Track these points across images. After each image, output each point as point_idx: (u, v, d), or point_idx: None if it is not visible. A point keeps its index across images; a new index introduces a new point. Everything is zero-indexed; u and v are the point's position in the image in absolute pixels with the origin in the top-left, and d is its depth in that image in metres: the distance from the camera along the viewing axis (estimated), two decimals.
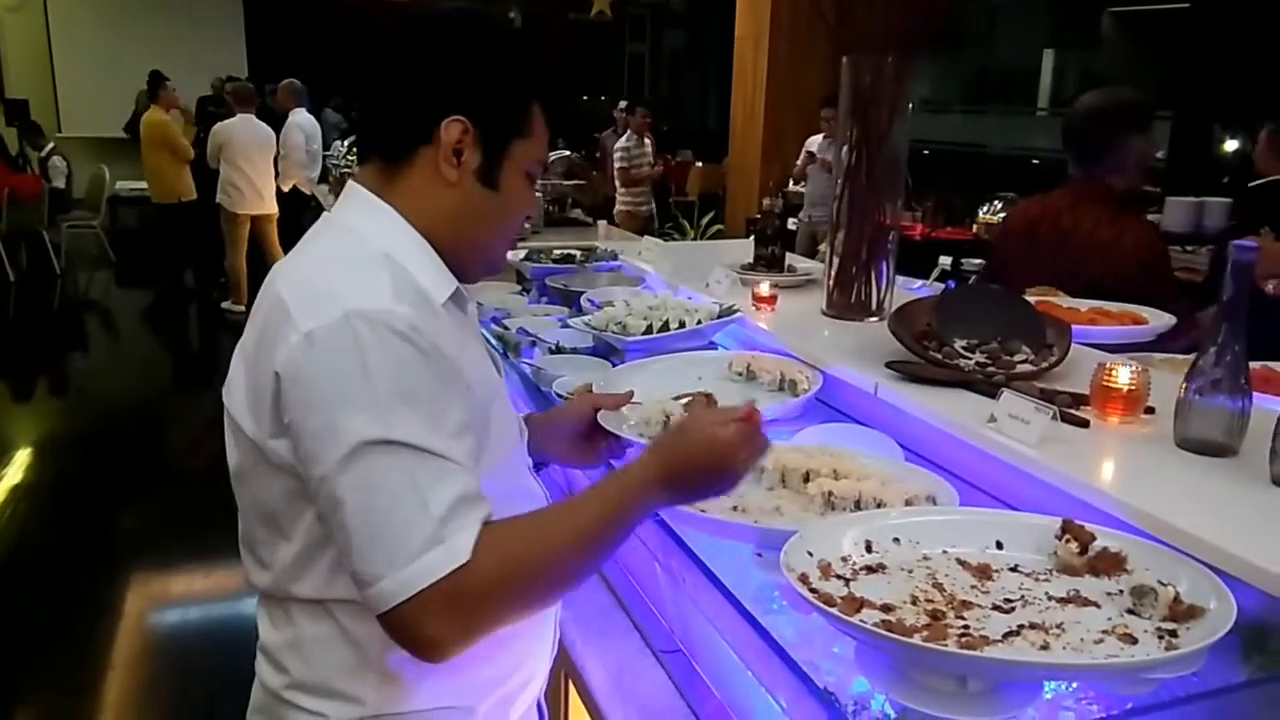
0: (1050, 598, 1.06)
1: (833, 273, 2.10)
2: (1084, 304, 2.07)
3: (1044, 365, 1.61)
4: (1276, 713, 1.01)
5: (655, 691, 1.36)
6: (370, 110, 1.09)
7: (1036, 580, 1.10)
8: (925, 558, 1.14)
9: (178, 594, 3.61)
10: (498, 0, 9.28)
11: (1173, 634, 0.97)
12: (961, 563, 1.13)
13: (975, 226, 6.39)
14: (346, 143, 7.53)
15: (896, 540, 1.16)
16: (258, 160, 7.40)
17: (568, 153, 5.35)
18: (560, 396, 1.83)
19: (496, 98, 1.05)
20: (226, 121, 7.43)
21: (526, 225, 3.53)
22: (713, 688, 1.28)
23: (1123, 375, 1.41)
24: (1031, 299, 1.91)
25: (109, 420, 5.49)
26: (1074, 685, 1.01)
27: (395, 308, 0.93)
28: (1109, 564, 1.09)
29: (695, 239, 6.31)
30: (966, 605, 1.04)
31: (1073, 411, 1.43)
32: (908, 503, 1.29)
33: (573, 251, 3.10)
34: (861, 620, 0.97)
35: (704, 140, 10.97)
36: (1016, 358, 1.65)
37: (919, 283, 2.60)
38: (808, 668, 0.97)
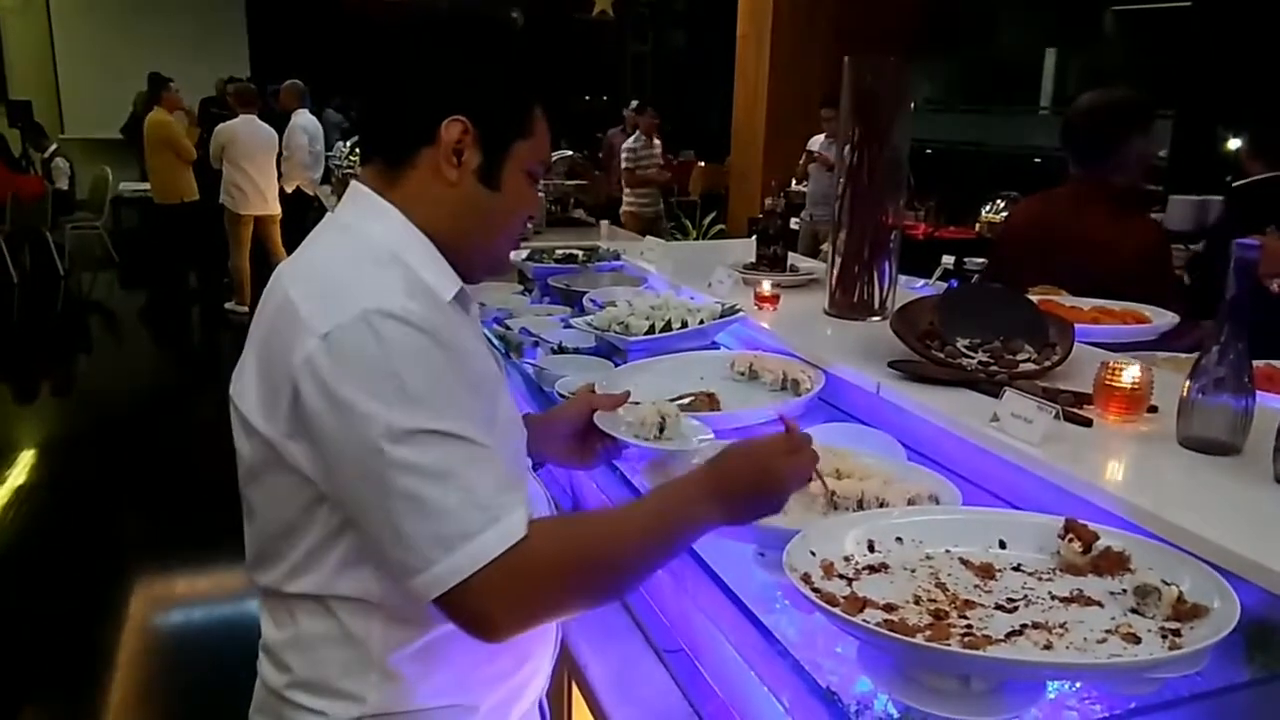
0: (1053, 597, 1.05)
1: (835, 272, 2.10)
2: (1087, 303, 2.07)
3: (1047, 364, 1.61)
4: None
5: (658, 691, 1.36)
6: (372, 110, 1.09)
7: (1039, 579, 1.10)
8: (928, 557, 1.14)
9: (180, 594, 3.62)
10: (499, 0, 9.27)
11: (1176, 633, 0.97)
12: (964, 562, 1.13)
13: (978, 226, 6.37)
14: (349, 143, 7.54)
15: (899, 540, 1.16)
16: (260, 161, 7.42)
17: (570, 152, 5.35)
18: (562, 396, 1.83)
19: (497, 97, 1.05)
20: (229, 122, 7.43)
21: (529, 226, 3.54)
22: (715, 687, 1.28)
23: (1126, 374, 1.41)
24: (1034, 298, 1.90)
25: (112, 420, 5.50)
26: (1077, 685, 1.01)
27: (410, 304, 0.94)
28: (1112, 563, 1.09)
29: (697, 238, 6.30)
30: (969, 605, 1.04)
31: (1076, 410, 1.42)
32: (910, 502, 1.29)
33: (575, 251, 3.10)
34: (864, 620, 0.97)
35: (706, 140, 10.96)
36: (1019, 357, 1.65)
37: (921, 282, 2.60)
38: (810, 667, 0.97)
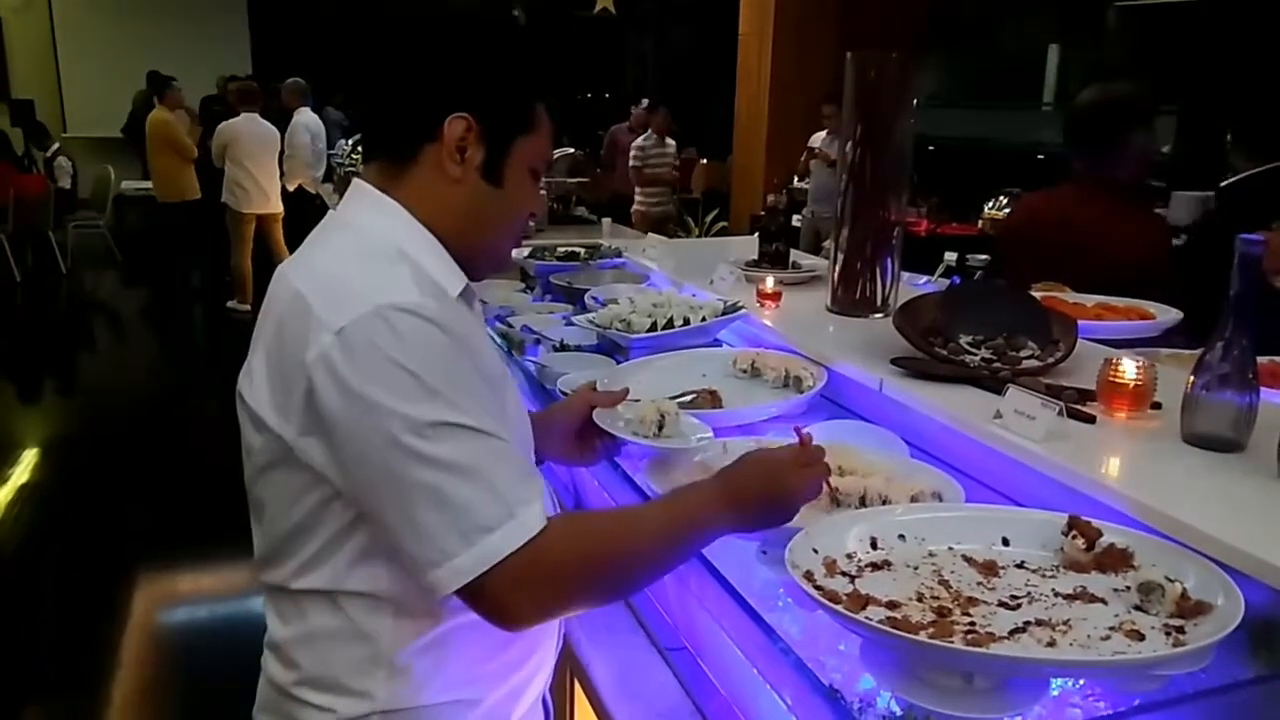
0: (1057, 594, 1.05)
1: (837, 269, 2.09)
2: (1090, 299, 2.06)
3: (1050, 361, 1.61)
4: None
5: (660, 689, 1.36)
6: (375, 108, 1.09)
7: (1043, 577, 1.09)
8: (931, 554, 1.14)
9: (185, 592, 3.62)
10: None
11: (1180, 630, 0.96)
12: (967, 559, 1.13)
13: (980, 222, 6.36)
14: (351, 141, 7.54)
15: (902, 537, 1.16)
16: (263, 159, 7.42)
17: (572, 150, 5.35)
18: (564, 394, 1.83)
19: (500, 94, 1.05)
20: (231, 121, 7.43)
21: (531, 223, 3.54)
22: (718, 685, 1.28)
23: (1129, 370, 1.41)
24: (1037, 294, 1.90)
25: (114, 419, 5.51)
26: (1081, 682, 1.01)
27: (423, 299, 0.94)
28: (1116, 560, 1.09)
29: (699, 235, 6.30)
30: (972, 602, 1.03)
31: (1079, 407, 1.42)
32: (913, 499, 1.28)
33: (577, 249, 3.10)
34: (867, 617, 0.97)
35: (708, 137, 10.95)
36: (1022, 353, 1.65)
37: (924, 279, 2.60)
38: (813, 665, 0.97)
